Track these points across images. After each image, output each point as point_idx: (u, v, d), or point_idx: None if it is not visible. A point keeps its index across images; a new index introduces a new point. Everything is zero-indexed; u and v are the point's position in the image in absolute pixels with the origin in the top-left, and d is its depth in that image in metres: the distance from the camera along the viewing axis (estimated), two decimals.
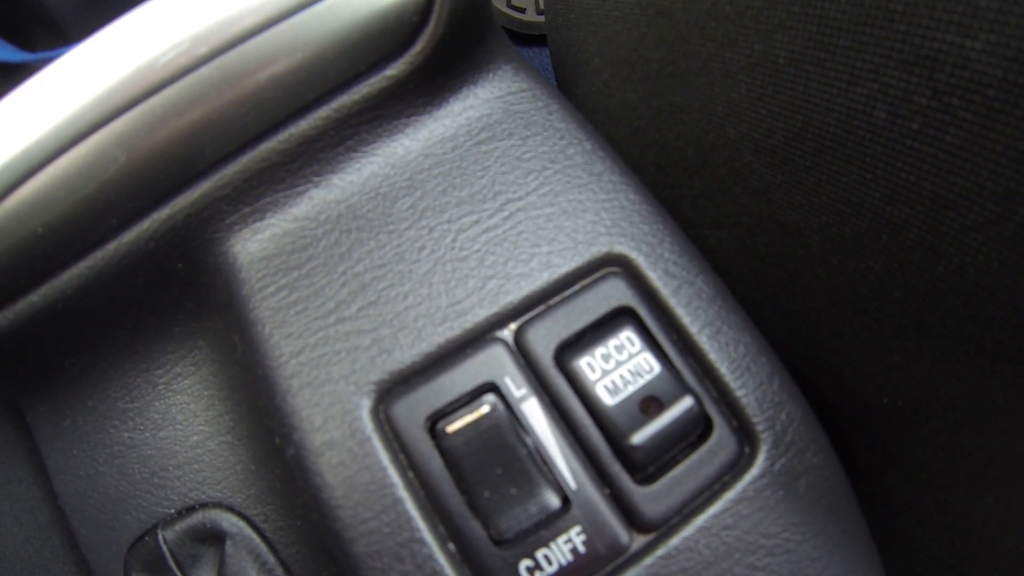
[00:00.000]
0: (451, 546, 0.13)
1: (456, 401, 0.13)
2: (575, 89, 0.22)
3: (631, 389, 0.13)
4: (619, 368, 0.14)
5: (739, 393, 0.14)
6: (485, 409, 0.13)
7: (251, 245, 0.15)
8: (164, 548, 0.17)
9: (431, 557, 0.13)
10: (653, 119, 0.18)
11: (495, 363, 0.14)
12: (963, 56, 0.12)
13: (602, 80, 0.20)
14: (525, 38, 0.42)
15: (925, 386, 0.15)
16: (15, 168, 0.14)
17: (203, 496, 0.17)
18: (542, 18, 0.40)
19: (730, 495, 0.13)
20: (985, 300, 0.13)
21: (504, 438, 0.13)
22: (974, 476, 0.16)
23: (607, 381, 0.14)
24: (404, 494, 0.13)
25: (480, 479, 0.13)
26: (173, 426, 0.17)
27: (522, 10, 0.41)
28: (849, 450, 0.18)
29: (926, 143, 0.13)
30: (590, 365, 0.14)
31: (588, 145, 0.16)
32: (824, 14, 0.13)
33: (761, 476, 0.14)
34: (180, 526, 0.17)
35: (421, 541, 0.13)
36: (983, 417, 0.15)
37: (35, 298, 0.15)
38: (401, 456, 0.13)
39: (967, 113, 0.12)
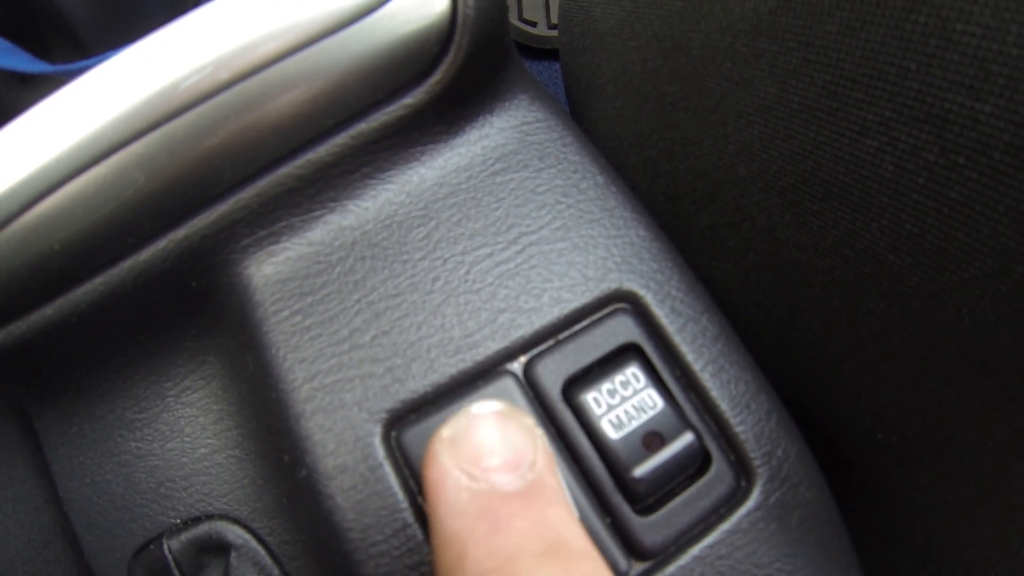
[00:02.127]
0: None
1: None
2: (588, 113, 0.22)
3: (635, 424, 0.14)
4: (624, 403, 0.14)
5: (738, 429, 0.14)
6: None
7: (266, 268, 0.15)
8: (169, 557, 0.17)
9: None
10: (665, 150, 0.19)
11: (505, 395, 0.14)
12: (972, 118, 0.12)
13: (615, 108, 0.20)
14: (535, 52, 0.42)
15: (918, 425, 0.16)
16: (35, 184, 0.14)
17: (209, 508, 0.17)
18: (553, 32, 0.40)
19: (725, 526, 0.14)
20: (980, 350, 0.14)
21: None
22: (961, 513, 0.16)
23: (612, 416, 0.14)
24: (413, 519, 0.13)
25: None
26: (181, 438, 0.17)
27: (533, 24, 0.41)
28: (841, 481, 0.19)
29: (931, 197, 0.13)
30: (596, 400, 0.14)
31: (601, 180, 0.16)
32: (839, 65, 0.14)
33: (756, 509, 0.14)
34: (185, 536, 0.17)
35: (430, 564, 0.13)
36: (973, 458, 0.15)
37: (49, 311, 0.15)
38: (411, 482, 0.14)
39: (973, 172, 0.12)
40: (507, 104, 0.17)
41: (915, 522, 0.18)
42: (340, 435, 0.14)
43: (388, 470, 0.14)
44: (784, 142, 0.15)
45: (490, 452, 0.11)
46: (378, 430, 0.14)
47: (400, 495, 0.14)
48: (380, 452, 0.14)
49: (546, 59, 0.42)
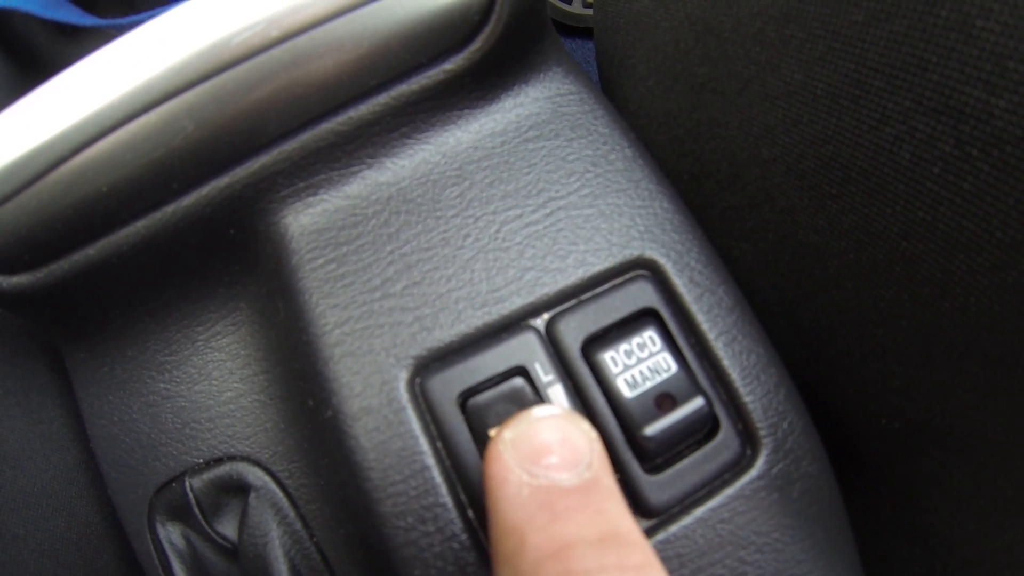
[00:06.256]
0: (471, 513, 0.15)
1: (488, 381, 0.16)
2: (619, 91, 0.24)
3: (648, 385, 0.16)
4: (639, 364, 0.16)
5: (747, 399, 0.16)
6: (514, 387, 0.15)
7: (303, 218, 0.17)
8: (190, 495, 0.19)
9: (452, 521, 0.15)
10: (692, 130, 0.20)
11: (527, 349, 0.16)
12: (987, 112, 0.13)
13: (646, 86, 0.22)
14: (569, 29, 0.44)
15: (922, 412, 0.17)
16: (87, 128, 0.16)
17: (232, 449, 0.19)
18: (588, 11, 0.42)
19: (729, 492, 0.16)
20: (983, 340, 0.15)
21: None
22: (958, 503, 0.18)
23: (627, 375, 0.16)
24: (432, 461, 0.15)
25: None
26: (208, 381, 0.19)
27: (568, 1, 0.43)
28: (846, 465, 0.20)
29: (944, 187, 0.14)
30: (613, 359, 0.16)
31: (629, 152, 0.18)
32: (863, 54, 0.15)
33: (759, 478, 0.16)
34: (207, 475, 0.19)
35: (444, 506, 0.15)
36: (972, 448, 0.17)
37: (92, 252, 0.17)
38: (432, 427, 0.15)
39: (985, 165, 0.14)
40: (542, 75, 0.18)
41: (914, 512, 0.19)
42: (367, 378, 0.16)
43: (411, 414, 0.15)
44: (807, 126, 0.17)
45: (549, 451, 0.12)
46: (404, 375, 0.16)
47: (421, 438, 0.15)
48: (404, 396, 0.15)
49: (579, 37, 0.44)
